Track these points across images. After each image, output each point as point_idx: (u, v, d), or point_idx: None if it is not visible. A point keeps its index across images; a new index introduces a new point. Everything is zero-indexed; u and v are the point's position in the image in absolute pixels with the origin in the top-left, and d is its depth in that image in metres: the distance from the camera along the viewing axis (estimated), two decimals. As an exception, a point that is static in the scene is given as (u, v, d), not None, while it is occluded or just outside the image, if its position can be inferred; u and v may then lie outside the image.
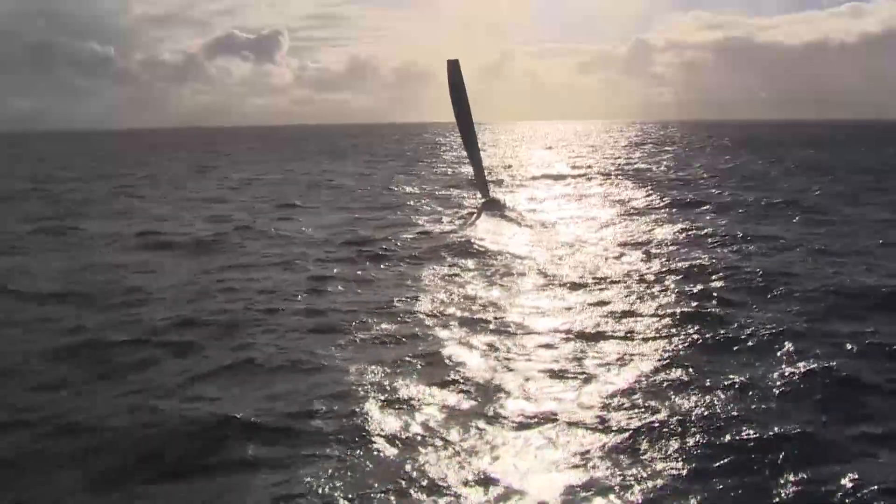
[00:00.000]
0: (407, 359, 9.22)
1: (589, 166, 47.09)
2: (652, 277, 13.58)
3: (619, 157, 57.33)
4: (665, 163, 49.05)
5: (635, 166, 46.56)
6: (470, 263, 15.58)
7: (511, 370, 8.76)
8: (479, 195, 29.09)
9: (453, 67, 27.49)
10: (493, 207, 25.59)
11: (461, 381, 8.40)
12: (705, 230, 19.13)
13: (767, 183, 33.11)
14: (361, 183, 37.74)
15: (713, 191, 30.14)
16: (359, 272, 14.90)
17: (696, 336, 9.87)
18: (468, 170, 33.33)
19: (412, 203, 28.21)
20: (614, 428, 7.07)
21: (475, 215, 24.26)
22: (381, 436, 6.99)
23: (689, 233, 18.89)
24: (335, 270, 15.06)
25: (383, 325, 10.82)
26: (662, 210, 24.18)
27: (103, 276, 14.67)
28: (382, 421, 7.32)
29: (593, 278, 13.57)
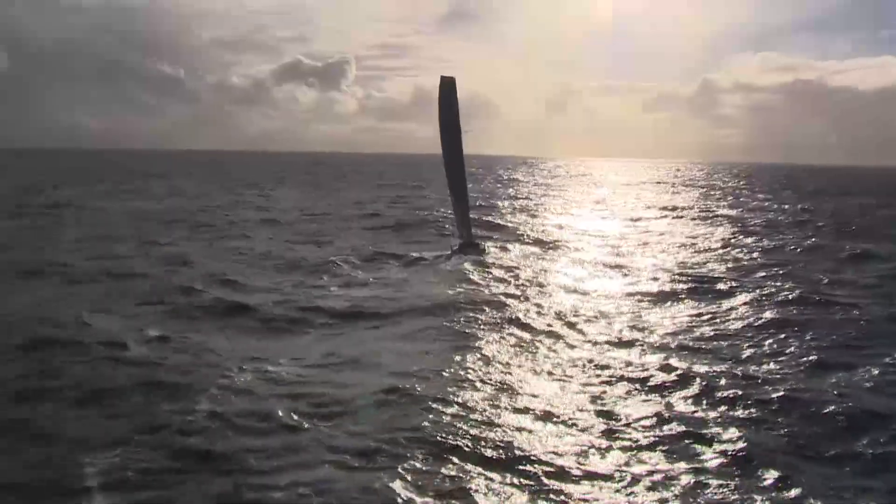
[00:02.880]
0: None
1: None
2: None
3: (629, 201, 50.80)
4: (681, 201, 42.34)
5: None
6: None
7: None
8: (457, 235, 24.66)
9: (448, 86, 23.33)
10: (469, 254, 21.59)
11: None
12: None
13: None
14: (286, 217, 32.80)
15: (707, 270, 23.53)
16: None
17: None
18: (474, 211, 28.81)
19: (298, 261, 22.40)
20: None
21: (446, 258, 20.72)
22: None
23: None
24: None
25: None
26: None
27: None
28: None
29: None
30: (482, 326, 12.77)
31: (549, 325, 12.82)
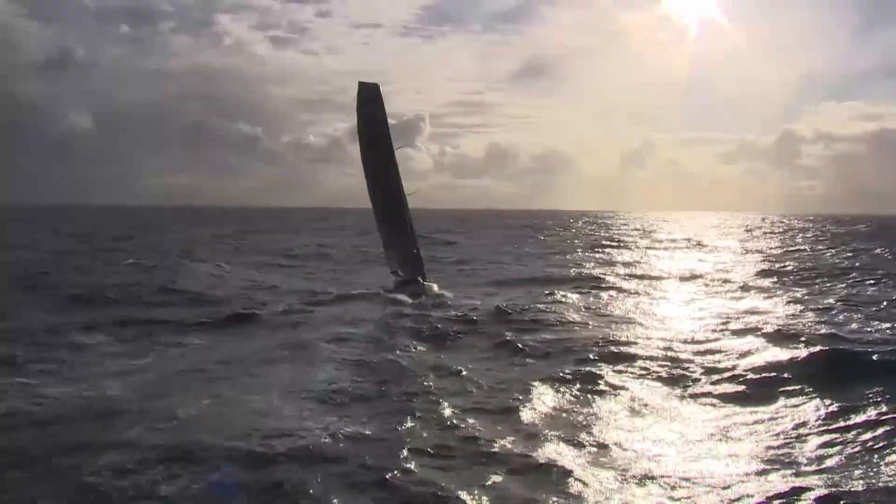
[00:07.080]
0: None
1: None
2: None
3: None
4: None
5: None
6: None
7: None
8: (393, 273, 21.11)
9: (369, 94, 20.03)
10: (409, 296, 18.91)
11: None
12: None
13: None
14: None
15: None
16: None
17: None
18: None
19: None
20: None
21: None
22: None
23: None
24: None
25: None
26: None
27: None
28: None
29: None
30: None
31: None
